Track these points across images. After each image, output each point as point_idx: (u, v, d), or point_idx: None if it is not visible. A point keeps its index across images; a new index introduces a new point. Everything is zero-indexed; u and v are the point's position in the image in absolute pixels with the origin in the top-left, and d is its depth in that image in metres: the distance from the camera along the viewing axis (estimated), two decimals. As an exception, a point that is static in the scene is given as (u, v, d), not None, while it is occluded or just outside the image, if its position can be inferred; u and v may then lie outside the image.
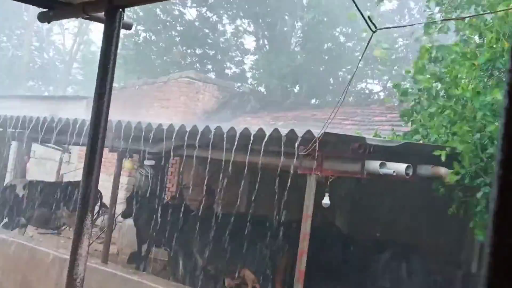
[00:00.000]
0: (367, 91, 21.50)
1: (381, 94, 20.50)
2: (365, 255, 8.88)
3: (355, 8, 4.55)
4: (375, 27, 4.66)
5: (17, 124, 11.41)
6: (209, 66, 21.79)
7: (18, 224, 12.17)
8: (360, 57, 8.29)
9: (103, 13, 3.98)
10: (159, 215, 10.05)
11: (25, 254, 10.14)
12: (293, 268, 7.40)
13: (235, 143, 7.31)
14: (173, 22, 21.55)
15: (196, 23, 21.81)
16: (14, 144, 13.26)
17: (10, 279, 10.05)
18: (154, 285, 8.26)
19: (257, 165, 7.34)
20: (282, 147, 6.86)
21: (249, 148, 7.22)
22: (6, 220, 12.27)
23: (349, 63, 19.28)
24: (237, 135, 7.28)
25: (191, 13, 21.95)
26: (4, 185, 12.89)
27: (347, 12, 15.51)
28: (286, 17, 20.65)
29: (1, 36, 28.96)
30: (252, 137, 7.13)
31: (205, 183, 9.27)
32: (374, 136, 8.22)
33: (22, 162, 13.51)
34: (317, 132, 6.61)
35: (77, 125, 9.65)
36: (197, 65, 21.02)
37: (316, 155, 6.70)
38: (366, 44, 6.09)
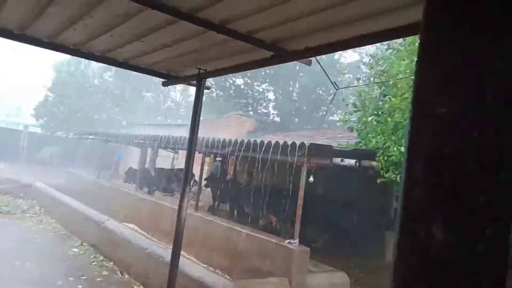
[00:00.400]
0: (333, 120, 21.15)
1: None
2: (332, 209, 8.74)
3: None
4: (338, 87, 4.60)
5: (150, 139, 11.60)
6: (250, 108, 21.83)
7: (151, 190, 12.35)
8: (329, 103, 8.17)
9: (195, 81, 4.05)
10: (223, 186, 10.07)
11: (155, 206, 10.29)
12: (295, 214, 7.32)
13: (263, 148, 7.31)
14: (229, 86, 21.73)
15: (242, 86, 21.93)
16: (149, 150, 13.47)
17: (149, 219, 10.20)
18: (221, 223, 8.28)
19: (275, 160, 7.32)
20: (288, 150, 6.83)
21: (270, 151, 7.21)
22: (146, 188, 12.47)
23: (325, 105, 19.08)
24: (264, 144, 7.28)
25: (239, 81, 22.13)
26: (144, 169, 13.11)
27: (325, 77, 15.23)
28: (290, 82, 20.60)
29: (145, 92, 29.67)
30: (272, 146, 7.12)
31: (247, 169, 9.28)
32: (338, 145, 8.10)
33: (152, 159, 13.72)
34: (307, 142, 6.57)
35: (181, 139, 9.75)
36: (243, 108, 21.07)
37: (306, 155, 6.65)
38: (332, 96, 6.01)
